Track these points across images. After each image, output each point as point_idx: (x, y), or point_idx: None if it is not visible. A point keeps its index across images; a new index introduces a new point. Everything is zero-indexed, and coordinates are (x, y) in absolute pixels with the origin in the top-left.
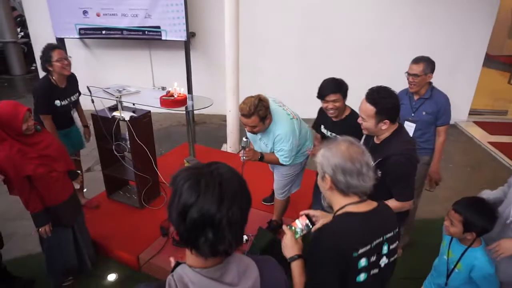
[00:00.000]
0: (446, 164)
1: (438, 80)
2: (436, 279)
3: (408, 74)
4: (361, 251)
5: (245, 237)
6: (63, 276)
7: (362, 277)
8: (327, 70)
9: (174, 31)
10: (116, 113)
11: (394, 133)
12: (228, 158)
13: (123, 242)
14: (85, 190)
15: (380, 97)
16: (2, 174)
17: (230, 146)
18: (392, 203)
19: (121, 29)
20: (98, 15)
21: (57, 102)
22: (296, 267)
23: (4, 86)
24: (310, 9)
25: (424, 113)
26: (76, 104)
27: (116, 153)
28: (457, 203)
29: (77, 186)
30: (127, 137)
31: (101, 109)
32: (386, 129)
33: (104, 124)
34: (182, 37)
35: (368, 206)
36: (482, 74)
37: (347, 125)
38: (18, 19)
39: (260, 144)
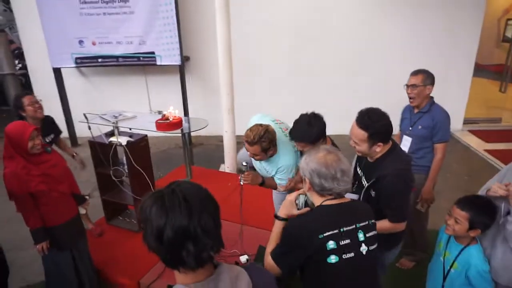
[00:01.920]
0: (444, 174)
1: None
2: (433, 283)
3: (407, 86)
4: (326, 233)
5: (246, 257)
6: None
7: (333, 258)
8: (320, 85)
9: (169, 56)
10: (113, 139)
11: (388, 152)
12: (226, 178)
13: (124, 267)
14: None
15: (371, 121)
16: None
17: (227, 166)
18: (384, 224)
19: (117, 57)
20: (93, 43)
21: None
22: (278, 226)
23: (3, 117)
24: (300, 27)
25: (420, 127)
26: (54, 143)
27: (114, 178)
28: (462, 201)
29: (82, 211)
30: (125, 162)
31: (98, 135)
32: (380, 150)
33: (101, 150)
34: (177, 61)
35: (342, 200)
36: (473, 83)
37: None
38: (16, 51)
39: (261, 168)
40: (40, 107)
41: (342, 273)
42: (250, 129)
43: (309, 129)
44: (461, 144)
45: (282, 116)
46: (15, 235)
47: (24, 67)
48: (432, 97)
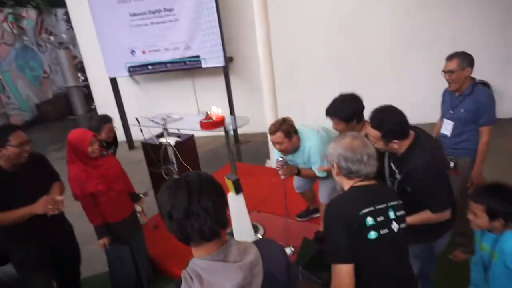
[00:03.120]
0: (503, 159)
1: (490, 72)
2: (476, 278)
3: (444, 72)
4: (365, 210)
5: (290, 248)
6: None
7: (372, 234)
8: (365, 76)
9: (213, 58)
10: (162, 140)
11: (412, 145)
12: (271, 173)
13: (178, 259)
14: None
15: (382, 120)
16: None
17: (273, 162)
18: (427, 214)
19: (165, 63)
20: (144, 52)
21: None
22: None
23: (70, 126)
24: (341, 17)
25: (462, 110)
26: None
27: (165, 176)
28: (474, 193)
29: (138, 209)
30: (174, 161)
31: (150, 137)
32: (398, 146)
33: (153, 151)
34: (220, 62)
35: (370, 182)
36: None
37: None
38: (79, 65)
39: (296, 165)
40: (114, 136)
41: (382, 248)
42: (271, 124)
43: (343, 105)
44: None
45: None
46: (81, 231)
47: (86, 79)
48: (474, 79)
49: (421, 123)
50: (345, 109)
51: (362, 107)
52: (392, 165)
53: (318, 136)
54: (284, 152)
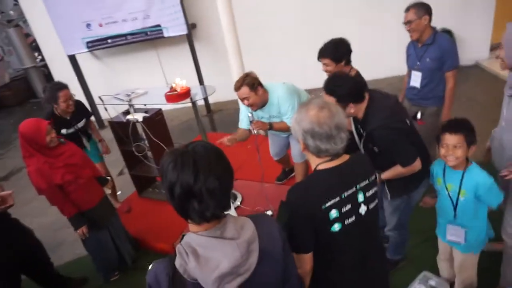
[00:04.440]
0: (471, 105)
1: (451, 20)
2: (444, 219)
3: (404, 24)
4: (329, 203)
5: (270, 212)
6: (109, 272)
7: (336, 227)
8: (333, 32)
9: (175, 26)
10: (129, 116)
11: (367, 108)
12: (246, 140)
13: (159, 234)
14: (119, 192)
15: (335, 86)
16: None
17: (242, 121)
18: (398, 169)
19: (125, 35)
20: (100, 25)
21: (63, 131)
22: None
23: (34, 110)
24: None
25: (428, 59)
26: (87, 127)
27: (137, 153)
28: (452, 126)
29: (107, 191)
30: (145, 137)
31: (116, 115)
32: (355, 110)
33: (121, 129)
34: (183, 30)
35: (340, 160)
36: (498, 3)
37: None
38: (34, 44)
39: (266, 118)
40: (74, 104)
41: (345, 239)
42: (235, 82)
43: (334, 47)
44: (488, 73)
45: (296, 70)
46: (59, 215)
47: (44, 58)
48: (434, 28)
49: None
50: (336, 50)
51: (350, 50)
52: (359, 126)
53: (284, 87)
54: (253, 106)
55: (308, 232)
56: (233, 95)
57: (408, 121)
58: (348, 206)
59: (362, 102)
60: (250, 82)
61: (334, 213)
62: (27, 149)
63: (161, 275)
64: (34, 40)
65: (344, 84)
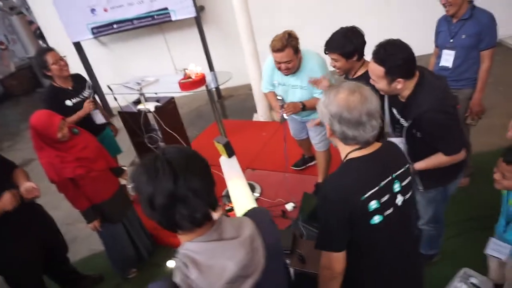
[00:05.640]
0: (496, 88)
1: None
2: (500, 225)
3: None
4: (368, 193)
5: (292, 204)
6: (126, 268)
7: (376, 219)
8: (351, 10)
9: (182, 9)
10: (140, 106)
11: (417, 87)
12: (260, 128)
13: None
14: (131, 185)
15: (388, 54)
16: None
17: (261, 115)
18: (441, 158)
19: (131, 19)
20: (105, 10)
21: (68, 102)
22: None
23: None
24: None
25: (463, 36)
26: (95, 95)
27: (149, 145)
28: (508, 155)
29: (123, 182)
30: (157, 127)
31: (126, 105)
32: (402, 87)
33: (132, 119)
34: (191, 13)
35: (372, 148)
36: None
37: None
38: (38, 31)
39: (295, 92)
40: (66, 64)
41: (385, 232)
42: (273, 39)
43: (344, 40)
44: None
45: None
46: (72, 209)
47: (49, 46)
48: (471, 1)
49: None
50: (347, 44)
51: (364, 42)
52: (395, 112)
53: (320, 58)
54: (288, 71)
55: (344, 227)
56: (244, 80)
57: (457, 107)
58: (387, 196)
59: (411, 79)
60: (295, 44)
61: (373, 204)
62: (38, 141)
63: None
64: (38, 28)
65: (399, 53)
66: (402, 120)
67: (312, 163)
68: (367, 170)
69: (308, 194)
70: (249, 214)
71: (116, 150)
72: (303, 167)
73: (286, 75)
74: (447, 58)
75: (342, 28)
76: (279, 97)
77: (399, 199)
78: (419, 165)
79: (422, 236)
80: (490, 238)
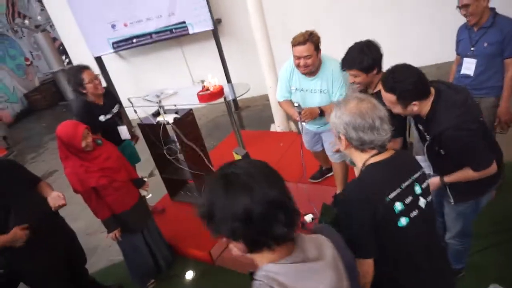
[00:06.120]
0: None
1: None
2: None
3: (459, 8)
4: (392, 195)
5: (311, 216)
6: (145, 279)
7: (403, 221)
8: (367, 15)
9: (200, 22)
10: (160, 118)
11: (435, 105)
12: (277, 138)
13: (194, 240)
14: (149, 196)
15: (396, 81)
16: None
17: (278, 125)
18: (469, 173)
19: (150, 33)
20: (125, 25)
21: (102, 118)
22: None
23: (63, 112)
24: None
25: (485, 44)
26: (121, 114)
27: (168, 156)
28: None
29: (144, 193)
30: (176, 139)
31: (145, 116)
32: (419, 108)
33: (151, 131)
34: (209, 26)
35: (387, 153)
36: None
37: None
38: (61, 47)
39: (314, 97)
40: (100, 83)
41: (413, 234)
42: (296, 36)
43: (361, 56)
44: None
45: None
46: (92, 220)
47: (71, 61)
48: (493, 8)
49: (428, 65)
50: (364, 58)
51: (381, 55)
52: (420, 126)
53: (339, 63)
54: (307, 68)
55: (371, 232)
56: (261, 91)
57: (481, 118)
58: (410, 198)
59: (427, 99)
60: (316, 41)
61: (398, 205)
62: (63, 151)
63: None
64: (61, 44)
65: (407, 79)
66: (428, 137)
67: (330, 174)
68: (388, 172)
69: (327, 205)
70: (323, 232)
71: (136, 159)
72: (321, 179)
73: (304, 73)
74: (469, 66)
75: (356, 43)
76: (296, 104)
77: (422, 201)
78: (448, 178)
79: (448, 250)
80: None
